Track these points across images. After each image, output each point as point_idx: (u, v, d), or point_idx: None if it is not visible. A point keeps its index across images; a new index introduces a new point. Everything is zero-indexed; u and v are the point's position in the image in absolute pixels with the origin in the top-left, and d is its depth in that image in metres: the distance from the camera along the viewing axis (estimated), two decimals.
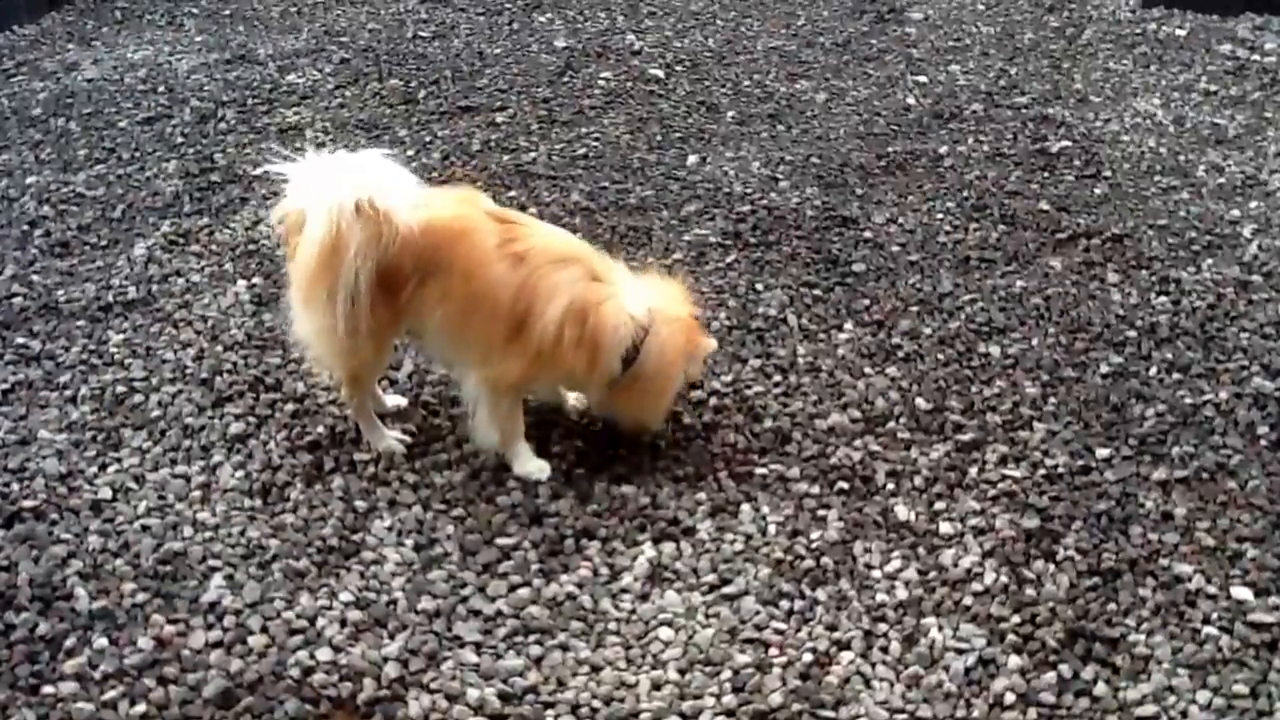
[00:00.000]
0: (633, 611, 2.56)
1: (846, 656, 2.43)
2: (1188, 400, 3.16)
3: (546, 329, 2.74)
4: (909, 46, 5.59)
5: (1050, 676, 2.38)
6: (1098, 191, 4.26)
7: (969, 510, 2.81)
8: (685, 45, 5.59)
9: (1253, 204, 4.16)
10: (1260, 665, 2.41)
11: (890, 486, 2.89)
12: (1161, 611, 2.53)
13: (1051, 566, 2.64)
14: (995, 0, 6.21)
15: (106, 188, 4.29)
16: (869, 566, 2.66)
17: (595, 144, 4.60)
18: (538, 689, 2.38)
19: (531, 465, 2.91)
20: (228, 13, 6.08)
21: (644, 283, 2.91)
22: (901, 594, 2.58)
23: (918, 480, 2.91)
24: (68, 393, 3.21)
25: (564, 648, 2.47)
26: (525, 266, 2.75)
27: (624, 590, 2.61)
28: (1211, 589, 2.58)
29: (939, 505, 2.83)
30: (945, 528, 2.76)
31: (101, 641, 2.43)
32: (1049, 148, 4.57)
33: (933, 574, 2.64)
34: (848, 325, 3.50)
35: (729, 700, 2.34)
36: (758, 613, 2.54)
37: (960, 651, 2.44)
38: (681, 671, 2.41)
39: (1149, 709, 2.32)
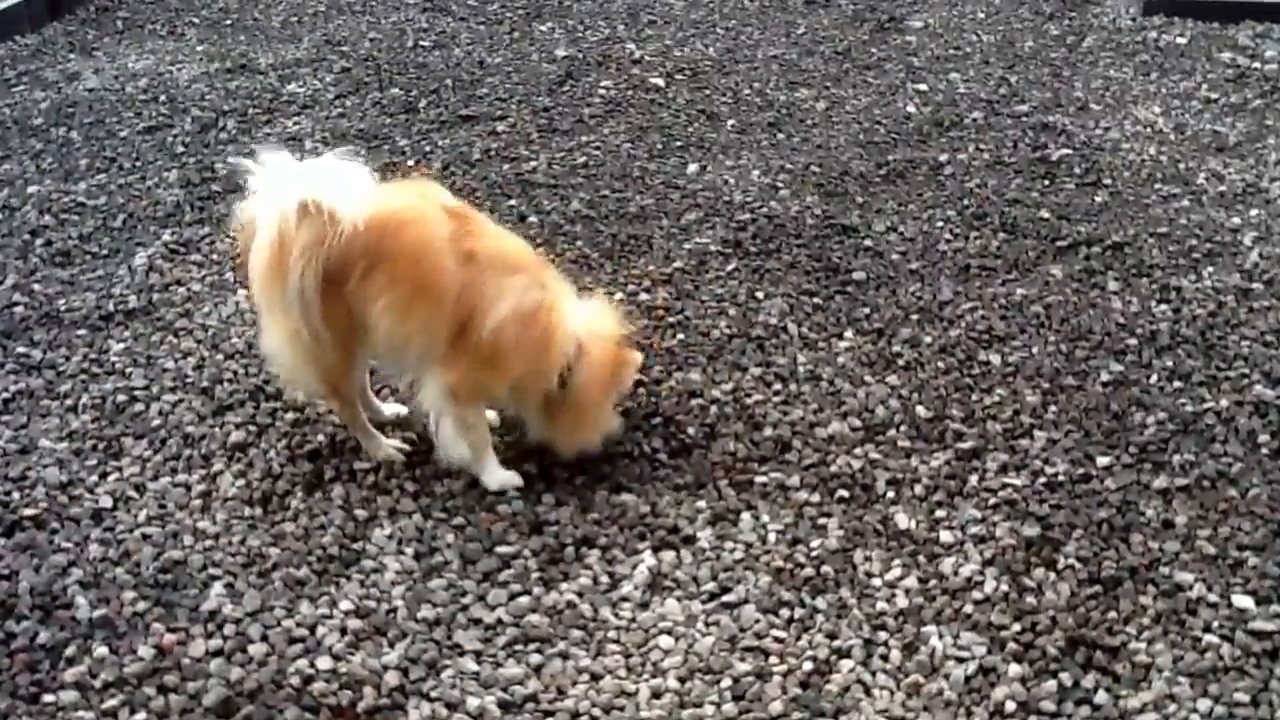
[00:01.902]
0: (633, 620, 2.56)
1: (847, 665, 2.43)
2: (1188, 408, 3.16)
3: (489, 331, 2.73)
4: (909, 55, 5.60)
5: (1051, 685, 2.38)
6: (1098, 199, 4.26)
7: (969, 518, 2.80)
8: (685, 54, 5.60)
9: (1253, 211, 4.17)
10: (1261, 674, 2.40)
11: (890, 495, 2.89)
12: (1162, 620, 2.53)
13: (1052, 575, 2.64)
14: (995, 9, 6.23)
15: (107, 197, 4.31)
16: (869, 575, 2.66)
17: (596, 153, 4.61)
18: (538, 697, 2.38)
19: (502, 476, 2.90)
20: (228, 22, 6.10)
21: (580, 300, 2.92)
22: (902, 602, 2.58)
23: (918, 488, 2.90)
24: (68, 401, 3.21)
25: (564, 656, 2.47)
26: (474, 266, 2.74)
27: (624, 599, 2.61)
28: (1212, 597, 2.57)
29: (939, 513, 2.83)
30: (945, 536, 2.76)
31: (102, 650, 2.43)
32: (1049, 156, 4.58)
33: (933, 582, 2.63)
34: (848, 333, 3.51)
35: (729, 709, 2.34)
36: (758, 621, 2.54)
37: (961, 660, 2.44)
38: (681, 680, 2.41)
39: (1150, 717, 2.31)
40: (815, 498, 2.88)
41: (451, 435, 2.87)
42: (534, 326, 2.77)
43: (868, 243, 3.97)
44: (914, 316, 3.59)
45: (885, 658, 2.45)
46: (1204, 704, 2.34)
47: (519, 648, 2.49)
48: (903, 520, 2.80)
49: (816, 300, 3.67)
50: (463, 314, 2.73)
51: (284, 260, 2.67)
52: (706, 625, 2.54)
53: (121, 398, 3.21)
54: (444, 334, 2.75)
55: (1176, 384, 3.27)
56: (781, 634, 2.51)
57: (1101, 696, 2.36)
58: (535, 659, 2.46)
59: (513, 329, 2.75)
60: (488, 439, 2.92)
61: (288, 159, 2.77)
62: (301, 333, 2.73)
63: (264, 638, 2.48)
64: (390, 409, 3.16)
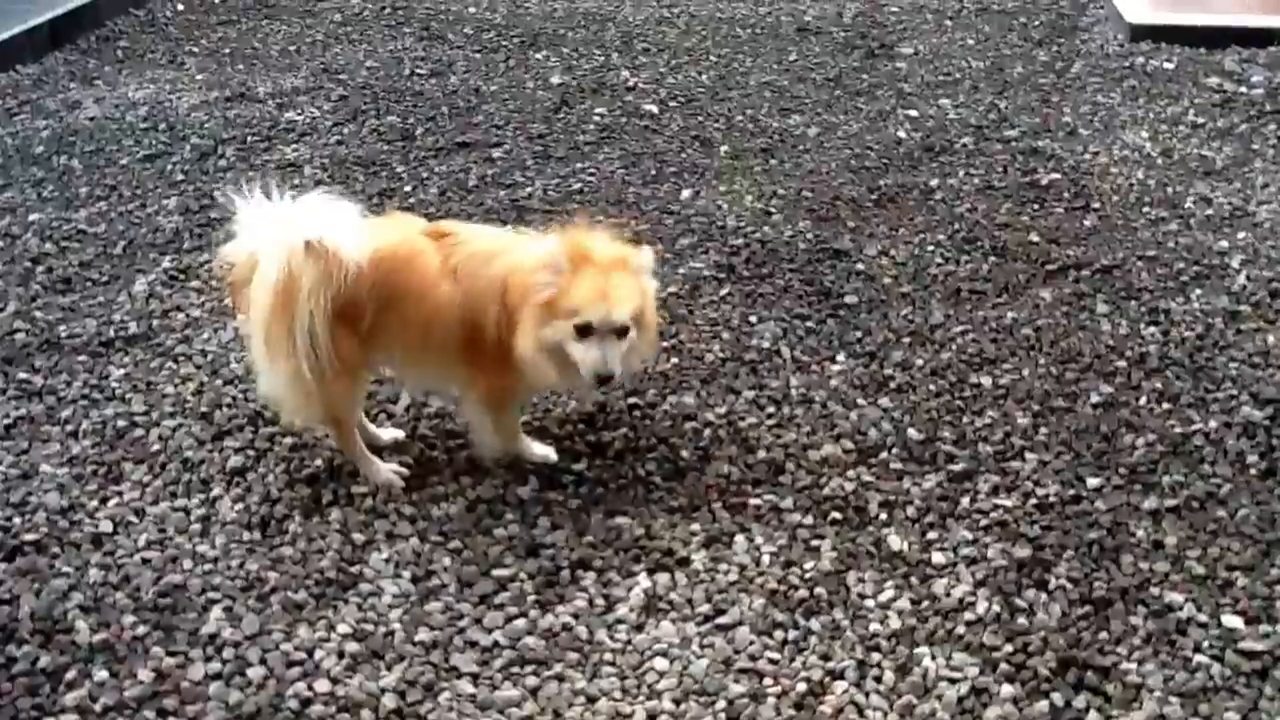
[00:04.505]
0: (628, 642, 2.58)
1: (840, 686, 2.45)
2: (1177, 430, 3.20)
3: (491, 328, 2.80)
4: (900, 81, 5.67)
5: (1043, 705, 2.40)
6: (1087, 223, 4.31)
7: (961, 540, 2.83)
8: (679, 81, 5.66)
9: (1240, 235, 4.21)
10: (1251, 693, 2.43)
11: (883, 517, 2.91)
12: (1153, 640, 2.55)
13: (1043, 595, 2.67)
14: (985, 35, 6.30)
15: (108, 224, 4.34)
16: (862, 596, 2.68)
17: (590, 179, 4.66)
18: None
19: (539, 450, 3.04)
20: (228, 51, 6.16)
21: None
22: (895, 623, 2.60)
23: (910, 510, 2.93)
24: (69, 427, 3.24)
25: (560, 679, 2.49)
26: (462, 280, 2.82)
27: (619, 621, 2.63)
28: (1202, 617, 2.60)
29: (931, 535, 2.85)
30: (938, 557, 2.78)
31: (102, 674, 2.45)
32: (1039, 180, 4.63)
33: (925, 603, 2.66)
34: (840, 357, 3.54)
35: None
36: (752, 643, 2.56)
37: (953, 681, 2.46)
38: (677, 702, 2.43)
39: None
40: (808, 520, 2.90)
41: (489, 436, 2.99)
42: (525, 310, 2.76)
43: (859, 267, 4.02)
44: (905, 339, 3.62)
45: (879, 679, 2.47)
46: None
47: (515, 670, 2.51)
48: (895, 542, 2.82)
49: (809, 324, 3.71)
50: (469, 326, 2.82)
51: (289, 300, 2.70)
52: (701, 647, 2.56)
53: (122, 423, 3.24)
54: (463, 354, 2.85)
55: (1165, 406, 3.30)
56: (776, 655, 2.53)
57: (1093, 717, 2.38)
58: (532, 681, 2.48)
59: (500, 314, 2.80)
60: (518, 427, 3.04)
61: (279, 199, 2.81)
62: (304, 371, 2.76)
63: (262, 661, 2.50)
64: (387, 434, 3.19)
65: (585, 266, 2.71)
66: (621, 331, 2.72)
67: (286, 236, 2.71)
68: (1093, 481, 3.01)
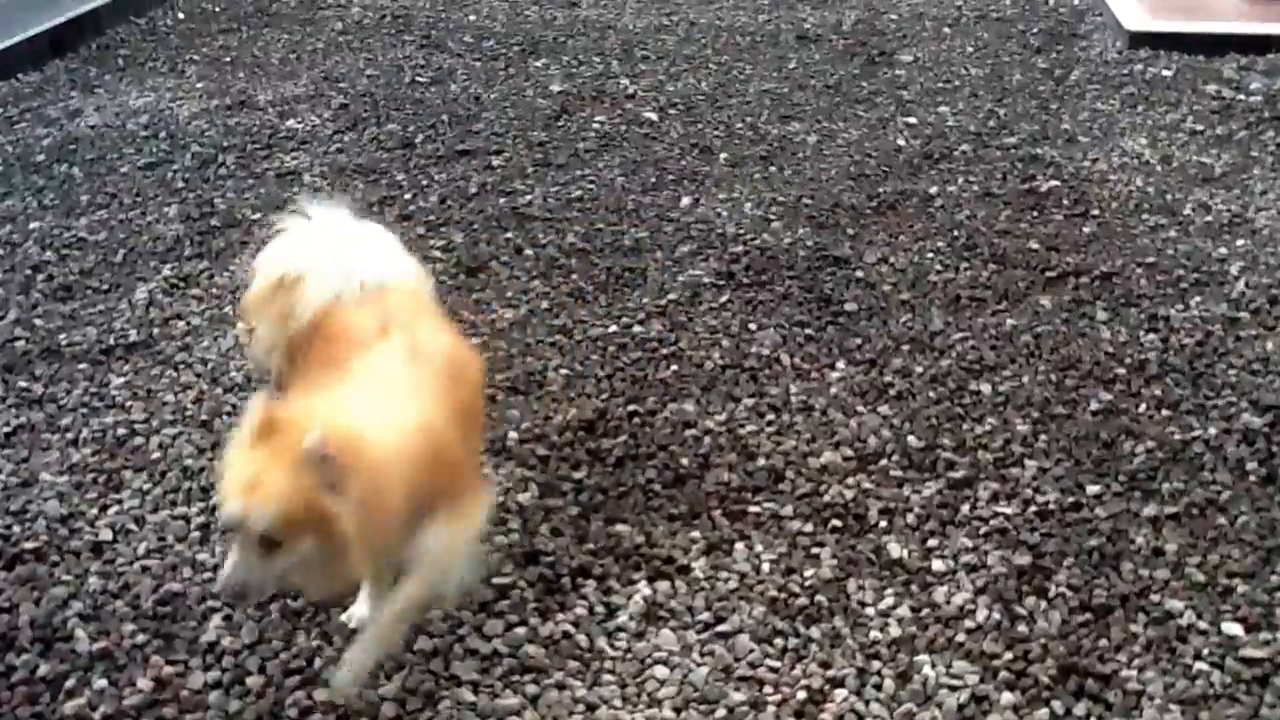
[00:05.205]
0: (628, 650, 2.58)
1: (840, 694, 2.45)
2: (1177, 437, 3.20)
3: None
4: (899, 89, 5.68)
5: (1043, 713, 2.40)
6: (1086, 230, 4.32)
7: (961, 547, 2.83)
8: (678, 89, 5.67)
9: (1239, 242, 4.22)
10: (1252, 701, 2.43)
11: (883, 524, 2.91)
12: (1153, 647, 2.55)
13: (1043, 603, 2.67)
14: (984, 43, 6.31)
15: (108, 232, 4.35)
16: (862, 604, 2.68)
17: (590, 186, 4.67)
18: None
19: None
20: (228, 60, 6.17)
21: None
22: (895, 631, 2.60)
23: (910, 518, 2.93)
24: (69, 435, 3.24)
25: (560, 687, 2.49)
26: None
27: (619, 629, 2.63)
28: (1202, 625, 2.60)
29: (931, 542, 2.85)
30: (938, 565, 2.78)
31: (101, 682, 2.45)
32: (1038, 187, 4.64)
33: (926, 611, 2.66)
34: (840, 364, 3.54)
35: None
36: (752, 651, 2.56)
37: (953, 688, 2.46)
38: (677, 710, 2.43)
39: None
40: (808, 527, 2.90)
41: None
42: None
43: (859, 274, 4.02)
44: (905, 347, 3.63)
45: (879, 687, 2.47)
46: None
47: (515, 678, 2.51)
48: (895, 549, 2.82)
49: (809, 331, 3.71)
50: None
51: (280, 316, 2.58)
52: (701, 655, 2.56)
53: (122, 431, 3.24)
54: None
55: (1165, 412, 3.30)
56: (776, 663, 2.53)
57: None
58: (532, 689, 2.48)
59: None
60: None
61: (337, 225, 2.67)
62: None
63: (262, 669, 2.50)
64: None
65: (266, 441, 2.06)
66: (261, 540, 2.04)
67: (283, 260, 2.62)
68: (1093, 488, 3.01)
